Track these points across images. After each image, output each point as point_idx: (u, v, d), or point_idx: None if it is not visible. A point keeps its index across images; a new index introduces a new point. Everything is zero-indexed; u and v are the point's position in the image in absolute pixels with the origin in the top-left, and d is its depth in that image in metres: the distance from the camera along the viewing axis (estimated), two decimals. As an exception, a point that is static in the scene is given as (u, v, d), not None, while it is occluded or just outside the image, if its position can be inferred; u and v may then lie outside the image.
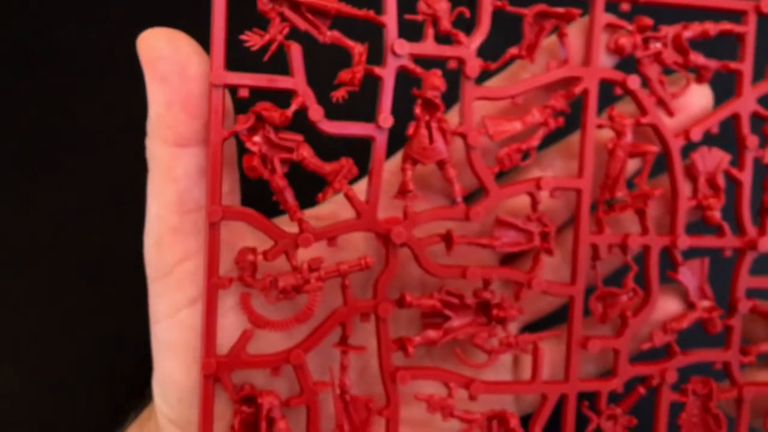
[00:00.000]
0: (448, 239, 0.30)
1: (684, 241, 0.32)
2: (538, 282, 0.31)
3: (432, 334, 0.30)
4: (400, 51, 0.29)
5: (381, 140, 0.29)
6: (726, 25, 0.32)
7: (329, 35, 0.28)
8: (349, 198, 0.29)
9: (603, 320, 0.32)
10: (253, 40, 0.28)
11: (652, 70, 0.31)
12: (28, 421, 0.39)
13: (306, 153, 0.29)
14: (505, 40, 0.30)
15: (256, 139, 0.28)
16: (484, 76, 0.31)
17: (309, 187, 0.29)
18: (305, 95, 0.28)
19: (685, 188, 0.32)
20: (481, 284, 0.31)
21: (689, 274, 0.33)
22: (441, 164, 0.30)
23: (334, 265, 0.29)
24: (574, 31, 0.31)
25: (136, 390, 0.36)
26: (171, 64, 0.26)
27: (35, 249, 0.39)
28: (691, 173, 0.33)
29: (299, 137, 0.29)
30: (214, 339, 0.28)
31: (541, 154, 0.34)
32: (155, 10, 0.38)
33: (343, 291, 0.29)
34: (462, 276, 0.30)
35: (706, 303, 0.33)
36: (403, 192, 0.30)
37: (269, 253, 0.28)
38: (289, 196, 0.28)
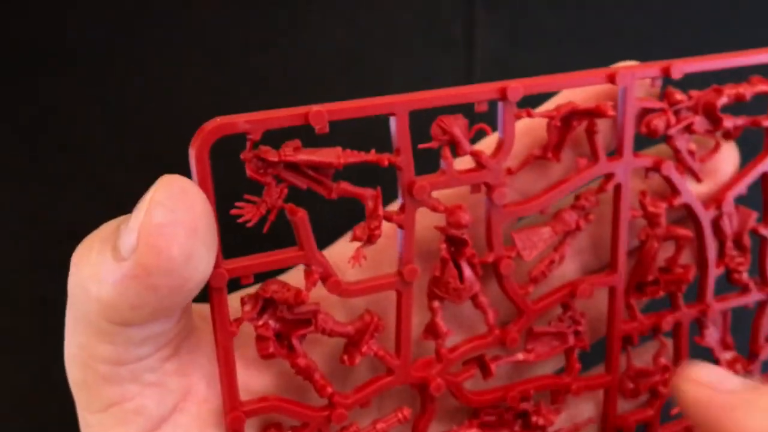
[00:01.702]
0: (483, 366, 0.28)
1: (714, 311, 0.31)
2: (578, 387, 0.29)
3: None
4: (420, 196, 0.24)
5: (407, 295, 0.25)
6: (762, 86, 0.28)
7: (335, 189, 0.24)
8: (381, 358, 0.26)
9: (635, 396, 0.31)
10: (248, 213, 0.23)
11: (682, 141, 0.28)
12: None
13: (326, 323, 0.25)
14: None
15: (270, 322, 0.24)
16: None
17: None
18: (320, 267, 0.24)
19: (713, 256, 0.30)
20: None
21: (713, 330, 0.32)
22: (475, 297, 0.27)
23: (370, 425, 0.26)
24: (602, 122, 0.27)
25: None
26: (171, 278, 0.21)
27: (34, 249, 0.36)
28: (718, 236, 0.31)
29: (315, 306, 0.25)
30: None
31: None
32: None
33: None
34: (503, 400, 0.28)
35: (728, 355, 0.33)
36: (434, 333, 0.27)
37: None
38: (317, 375, 0.25)
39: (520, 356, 0.28)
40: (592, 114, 0.26)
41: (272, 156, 0.22)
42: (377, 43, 0.32)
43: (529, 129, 0.27)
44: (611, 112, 0.26)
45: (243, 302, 0.24)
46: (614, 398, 0.30)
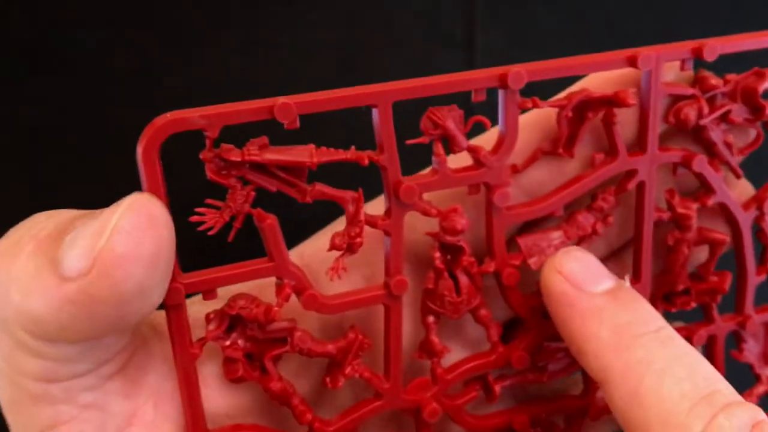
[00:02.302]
0: (486, 388, 0.25)
1: (754, 324, 0.27)
2: (597, 410, 0.26)
3: None
4: (409, 199, 0.21)
5: (396, 308, 0.23)
6: None
7: (310, 191, 0.21)
8: (367, 380, 0.23)
9: None
10: (210, 219, 0.20)
11: (717, 132, 0.25)
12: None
13: (303, 343, 0.22)
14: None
15: (238, 341, 0.21)
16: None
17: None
18: (293, 280, 0.21)
19: (753, 262, 0.27)
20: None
21: (753, 344, 0.29)
22: (475, 311, 0.24)
23: None
24: (623, 112, 0.23)
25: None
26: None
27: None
28: (761, 240, 0.27)
29: (290, 323, 0.22)
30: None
31: None
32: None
33: None
34: (510, 426, 0.25)
35: None
36: (429, 351, 0.24)
37: None
38: (296, 399, 0.22)
39: (530, 376, 0.25)
40: (610, 103, 0.23)
41: (235, 155, 0.20)
42: (377, 43, 0.32)
43: (536, 121, 0.23)
44: (632, 101, 0.22)
45: (208, 320, 0.21)
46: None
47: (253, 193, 0.20)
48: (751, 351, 0.28)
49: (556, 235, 0.24)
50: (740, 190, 0.26)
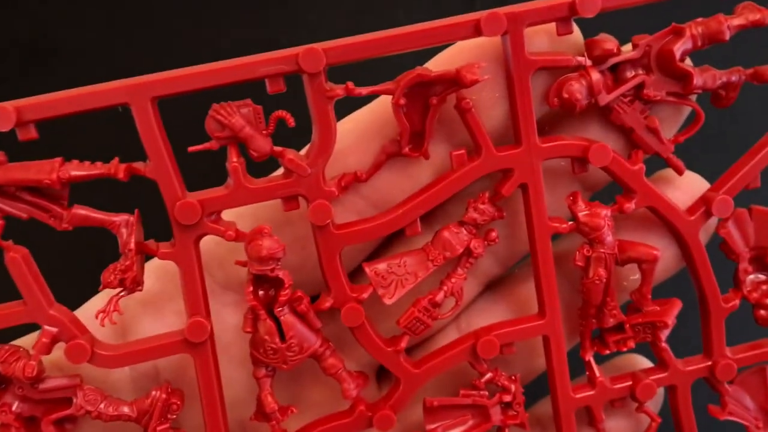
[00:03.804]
0: None
1: (727, 369, 0.20)
2: None
3: None
4: (188, 220, 0.17)
5: (202, 359, 0.18)
6: (753, 14, 0.18)
7: (68, 216, 0.17)
8: None
9: None
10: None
11: (632, 115, 0.19)
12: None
13: (91, 404, 0.18)
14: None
15: (11, 403, 0.18)
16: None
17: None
18: (54, 326, 0.17)
19: (714, 285, 0.20)
20: None
21: (739, 397, 0.21)
22: (319, 359, 0.19)
23: None
24: (486, 91, 0.18)
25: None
26: None
27: (33, 249, 0.34)
28: (728, 253, 0.20)
29: (71, 380, 0.18)
30: None
31: None
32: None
33: None
34: None
35: None
36: (262, 412, 0.19)
37: None
38: None
39: None
40: (448, 82, 0.17)
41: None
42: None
43: (377, 115, 0.19)
44: (471, 77, 0.17)
45: None
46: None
47: (1, 222, 0.17)
48: (739, 407, 0.21)
49: (410, 260, 0.19)
50: (689, 189, 0.20)
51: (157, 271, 0.20)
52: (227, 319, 0.19)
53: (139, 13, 0.30)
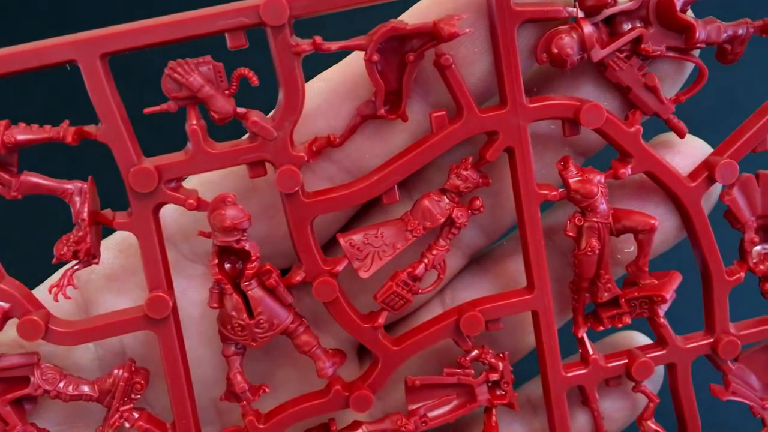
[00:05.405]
0: None
1: (731, 346, 0.19)
2: None
3: None
4: (144, 188, 0.16)
5: (166, 335, 0.17)
6: None
7: (16, 184, 0.16)
8: None
9: None
10: None
11: (629, 71, 0.17)
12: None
13: (49, 383, 0.17)
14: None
15: None
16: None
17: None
18: (6, 302, 0.16)
19: (717, 257, 0.19)
20: None
21: (744, 376, 0.20)
22: (291, 336, 0.18)
23: None
24: (467, 46, 0.17)
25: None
26: None
27: (34, 249, 0.33)
28: (733, 222, 0.19)
29: (27, 358, 0.17)
30: None
31: None
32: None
33: None
34: None
35: None
36: (232, 392, 0.18)
37: None
38: None
39: (387, 424, 0.19)
40: (425, 36, 0.16)
41: None
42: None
43: (350, 73, 0.17)
44: (450, 30, 0.15)
45: None
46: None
47: (-56, 193, 0.16)
48: (741, 386, 0.20)
49: (388, 231, 0.17)
50: (690, 153, 0.19)
51: (121, 244, 0.19)
52: (194, 293, 0.18)
53: (138, 13, 0.30)
